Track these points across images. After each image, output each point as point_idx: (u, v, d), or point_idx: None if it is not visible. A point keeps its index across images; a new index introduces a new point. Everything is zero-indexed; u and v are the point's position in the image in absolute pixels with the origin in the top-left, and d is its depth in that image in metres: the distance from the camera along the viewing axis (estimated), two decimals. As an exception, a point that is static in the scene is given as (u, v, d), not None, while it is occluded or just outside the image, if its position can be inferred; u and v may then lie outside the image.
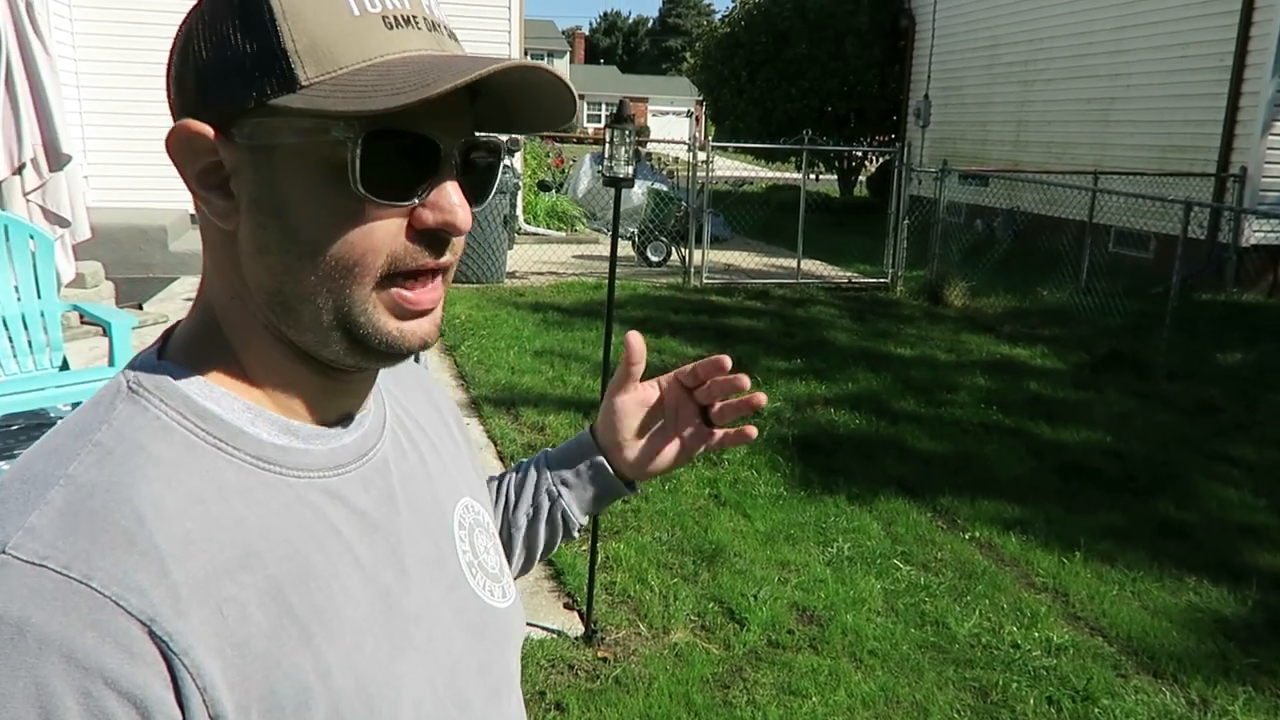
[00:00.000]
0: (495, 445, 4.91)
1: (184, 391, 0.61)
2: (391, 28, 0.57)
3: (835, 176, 21.89)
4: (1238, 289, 10.36)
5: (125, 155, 8.90)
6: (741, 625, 3.33)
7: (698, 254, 9.95)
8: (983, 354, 7.51)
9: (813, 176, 15.50)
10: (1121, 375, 6.88)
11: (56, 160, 5.34)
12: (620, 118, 3.15)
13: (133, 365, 0.63)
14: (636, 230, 11.09)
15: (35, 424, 4.00)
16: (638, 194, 11.30)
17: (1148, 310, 8.16)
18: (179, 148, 0.60)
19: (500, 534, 0.95)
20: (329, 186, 0.57)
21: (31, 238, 4.27)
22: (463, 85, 0.53)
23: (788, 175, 23.28)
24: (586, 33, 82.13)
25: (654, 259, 10.96)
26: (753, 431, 0.98)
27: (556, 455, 1.01)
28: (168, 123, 0.61)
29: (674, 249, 10.93)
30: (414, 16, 0.59)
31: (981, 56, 15.75)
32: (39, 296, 4.23)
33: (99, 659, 0.49)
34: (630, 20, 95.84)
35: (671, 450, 0.98)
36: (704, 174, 10.06)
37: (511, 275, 9.78)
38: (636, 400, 0.97)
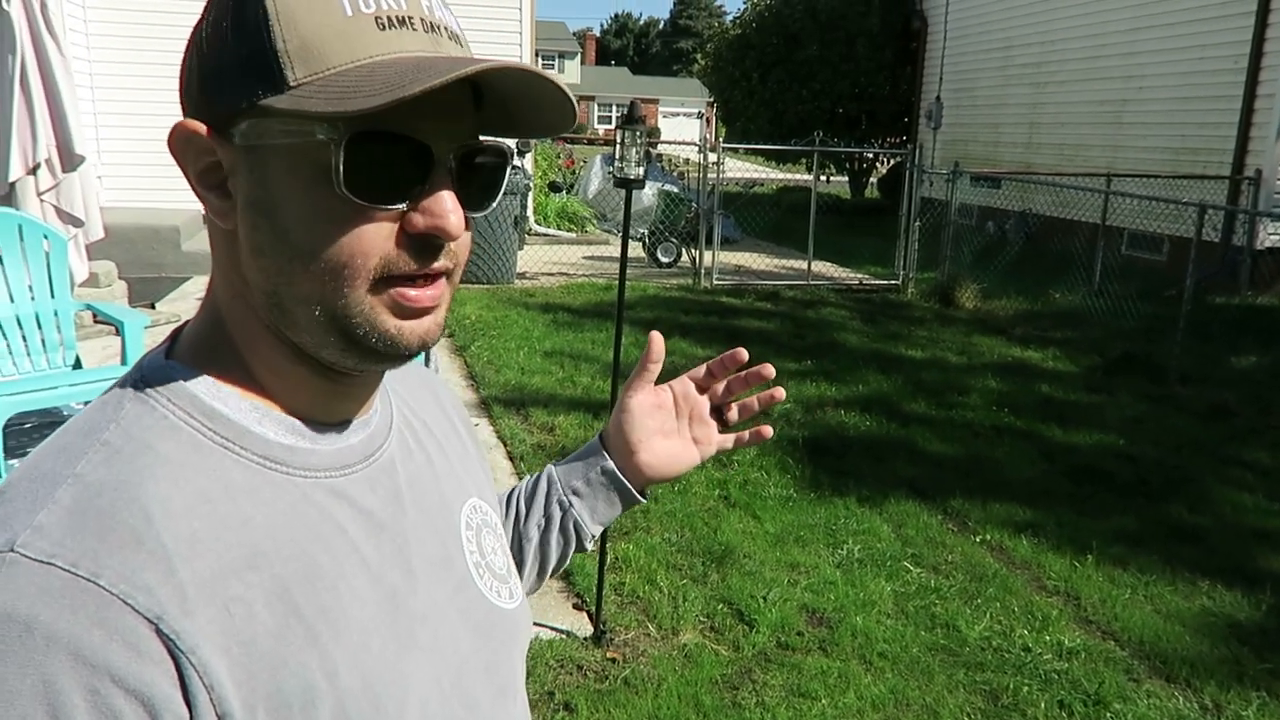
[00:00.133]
0: (505, 445, 4.91)
1: (191, 391, 0.61)
2: (384, 28, 0.57)
3: (846, 178, 21.86)
4: (1252, 292, 10.29)
5: (138, 156, 8.94)
6: (751, 627, 3.32)
7: (708, 255, 9.94)
8: (994, 356, 7.49)
9: (824, 178, 15.48)
10: (1134, 378, 6.85)
11: (70, 160, 5.37)
12: (631, 119, 3.15)
13: (141, 365, 0.63)
14: (647, 231, 11.09)
15: (48, 422, 4.02)
16: (648, 195, 11.31)
17: (1161, 313, 8.11)
18: (179, 147, 0.60)
19: (511, 547, 0.94)
20: (317, 188, 0.57)
21: (45, 237, 4.29)
22: (437, 86, 0.52)
23: (798, 177, 23.28)
24: (597, 34, 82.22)
25: (664, 260, 10.96)
26: (769, 431, 0.98)
27: (566, 465, 1.00)
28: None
29: (684, 250, 10.93)
30: (410, 17, 0.58)
31: (994, 58, 15.70)
32: (52, 295, 4.26)
33: (106, 657, 0.49)
34: (641, 22, 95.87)
35: (685, 452, 0.97)
36: (714, 175, 10.05)
37: (522, 276, 9.79)
38: (650, 403, 0.96)
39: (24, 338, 4.16)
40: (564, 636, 3.19)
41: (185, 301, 7.33)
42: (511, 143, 0.67)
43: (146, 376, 0.62)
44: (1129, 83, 12.71)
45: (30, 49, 5.16)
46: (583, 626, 3.26)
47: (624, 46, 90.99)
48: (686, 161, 17.78)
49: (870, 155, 19.93)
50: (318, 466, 0.63)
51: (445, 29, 0.60)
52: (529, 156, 11.79)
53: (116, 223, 7.10)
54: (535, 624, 3.19)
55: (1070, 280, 9.49)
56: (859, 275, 10.95)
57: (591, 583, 3.35)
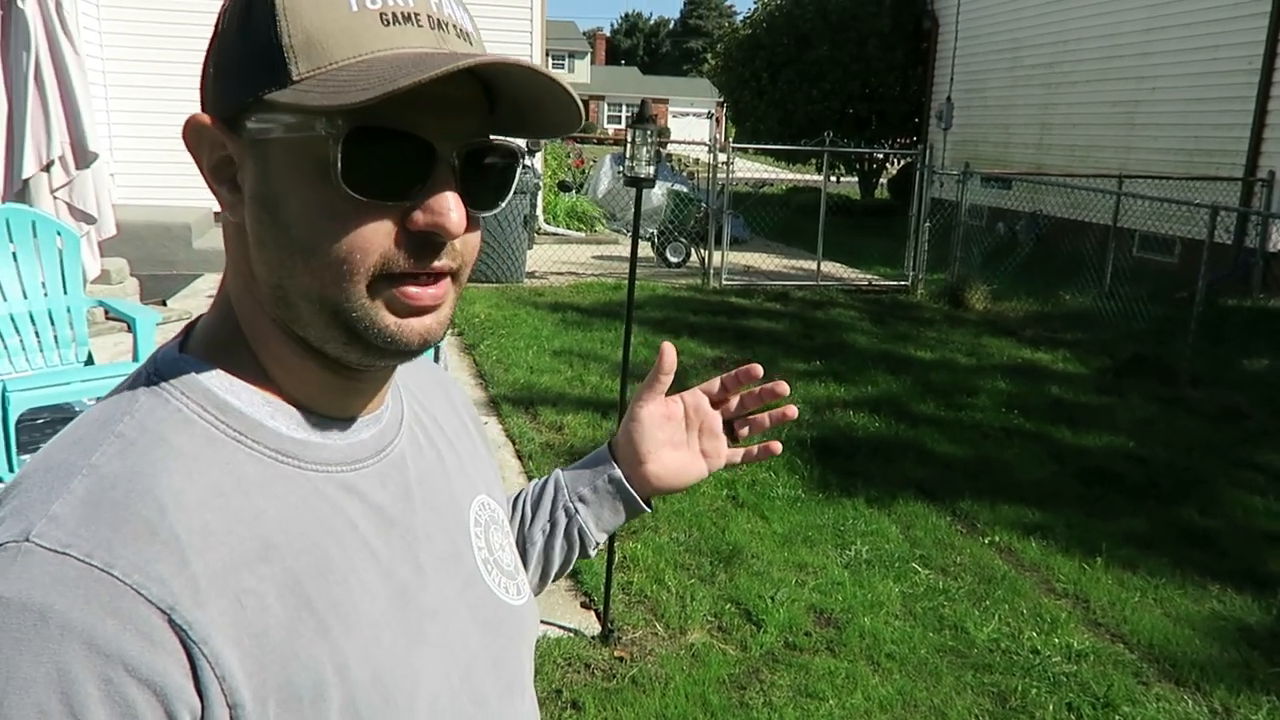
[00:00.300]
0: (513, 444, 4.92)
1: (205, 384, 0.61)
2: (388, 24, 0.57)
3: (856, 179, 21.83)
4: (1264, 294, 10.23)
5: (150, 154, 8.99)
6: (758, 627, 3.32)
7: (717, 255, 9.94)
8: (1004, 358, 7.46)
9: (833, 179, 15.46)
10: (1145, 380, 6.82)
11: (83, 158, 5.41)
12: (642, 118, 3.15)
13: (155, 358, 0.64)
14: (656, 231, 11.09)
15: (60, 418, 4.04)
16: (658, 195, 11.30)
17: (1172, 315, 8.07)
18: (192, 140, 0.61)
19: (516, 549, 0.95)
20: (317, 183, 0.57)
21: (58, 234, 4.32)
22: (427, 80, 0.52)
23: (808, 177, 23.23)
24: (608, 34, 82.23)
25: (673, 260, 10.96)
26: (777, 447, 0.98)
27: (573, 471, 1.00)
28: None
29: (693, 250, 10.93)
30: (416, 14, 0.58)
31: (1005, 59, 15.65)
32: (65, 292, 4.28)
33: (120, 646, 0.50)
34: (651, 21, 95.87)
35: (694, 465, 0.98)
36: (724, 175, 10.05)
37: (531, 275, 9.80)
38: (661, 414, 0.96)
39: (37, 334, 4.18)
40: (572, 635, 3.20)
41: (196, 299, 7.37)
42: (521, 142, 0.67)
43: (161, 370, 0.62)
44: (1141, 83, 12.66)
45: (45, 47, 5.19)
46: (590, 625, 3.26)
47: (634, 46, 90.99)
48: (696, 161, 17.77)
49: (880, 156, 19.90)
50: (329, 461, 0.64)
51: (454, 26, 0.60)
52: (539, 156, 11.80)
53: (128, 220, 7.14)
54: (544, 622, 3.21)
55: (1081, 282, 9.45)
56: (868, 276, 10.92)
57: (599, 581, 3.35)
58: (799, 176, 24.15)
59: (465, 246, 0.62)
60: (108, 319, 6.05)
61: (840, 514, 4.31)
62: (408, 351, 0.62)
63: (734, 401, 0.99)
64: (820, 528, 4.16)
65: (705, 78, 27.99)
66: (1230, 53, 11.23)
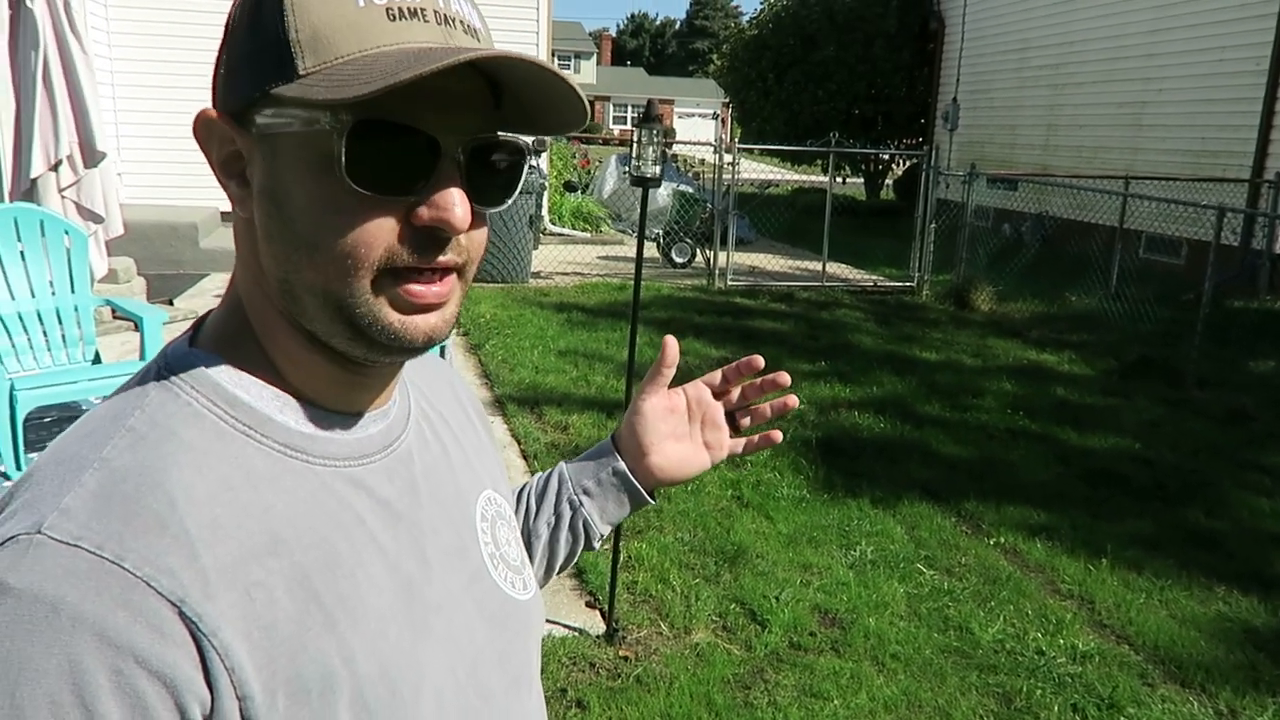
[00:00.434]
0: (519, 444, 4.92)
1: (214, 379, 0.62)
2: (394, 19, 0.57)
3: (862, 180, 21.80)
4: (1271, 296, 10.20)
5: (158, 153, 9.02)
6: (763, 627, 3.32)
7: (722, 256, 9.93)
8: (1009, 359, 7.45)
9: (839, 179, 15.44)
10: (1151, 382, 6.80)
11: (91, 157, 5.43)
12: (648, 118, 3.16)
13: (165, 353, 0.64)
14: (661, 232, 11.10)
15: (68, 417, 4.06)
16: (663, 195, 11.31)
17: (1178, 317, 8.06)
18: (202, 134, 0.62)
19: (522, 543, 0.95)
20: (322, 177, 0.57)
21: (66, 233, 4.33)
22: (428, 74, 0.52)
23: (814, 178, 23.23)
24: (613, 34, 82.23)
25: (679, 260, 10.96)
26: (778, 435, 0.99)
27: (577, 464, 1.00)
28: None
29: (699, 250, 10.93)
30: (422, 9, 0.58)
31: (1012, 60, 15.62)
32: (73, 291, 4.30)
33: (130, 638, 0.50)
34: (657, 22, 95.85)
35: (696, 456, 0.98)
36: (729, 176, 10.04)
37: (536, 275, 9.81)
38: (664, 406, 0.97)
39: (44, 332, 4.20)
40: (577, 634, 3.20)
41: (203, 298, 7.38)
42: (528, 140, 0.67)
43: (171, 364, 0.63)
44: (1148, 85, 12.63)
45: (53, 46, 5.21)
46: (595, 624, 3.27)
47: (640, 47, 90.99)
48: (702, 162, 17.77)
49: (886, 157, 19.87)
50: (337, 456, 0.64)
51: (461, 21, 0.60)
52: (544, 156, 11.81)
53: (136, 219, 7.17)
54: (549, 621, 3.22)
55: (1087, 283, 9.43)
56: (874, 277, 10.91)
57: (604, 581, 3.35)
58: (804, 177, 24.13)
59: (471, 242, 0.62)
60: (115, 318, 6.08)
61: (845, 514, 4.31)
62: (412, 349, 0.62)
63: (735, 393, 0.99)
64: (825, 528, 4.16)
65: (711, 78, 28.00)
66: (1237, 54, 11.20)
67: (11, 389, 3.62)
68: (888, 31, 18.51)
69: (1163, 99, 12.41)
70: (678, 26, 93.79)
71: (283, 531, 0.59)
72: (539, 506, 0.99)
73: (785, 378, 0.96)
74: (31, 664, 0.49)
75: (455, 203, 0.58)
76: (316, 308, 0.60)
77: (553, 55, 12.69)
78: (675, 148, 21.17)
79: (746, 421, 1.00)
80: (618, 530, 3.31)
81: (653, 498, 0.99)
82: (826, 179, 11.25)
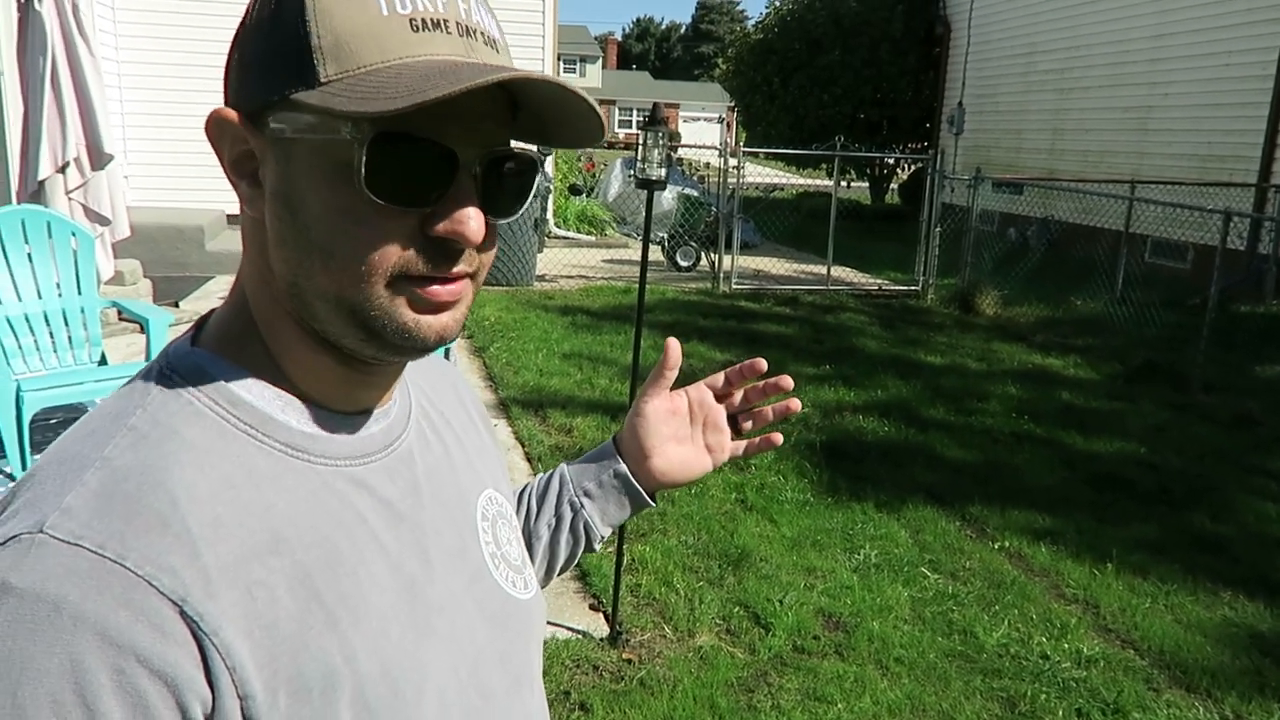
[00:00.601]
0: (523, 446, 4.93)
1: (216, 378, 0.62)
2: (418, 30, 0.57)
3: (867, 184, 21.79)
4: (1277, 301, 10.18)
5: (164, 156, 9.05)
6: (767, 630, 3.31)
7: (727, 259, 9.93)
8: (1014, 363, 7.44)
9: (844, 183, 15.44)
10: (1157, 387, 6.79)
11: (98, 160, 5.45)
12: (653, 120, 3.16)
13: (167, 352, 0.64)
14: (666, 235, 11.10)
15: (74, 418, 4.06)
16: (668, 199, 11.31)
17: (1184, 321, 8.04)
18: (214, 133, 0.61)
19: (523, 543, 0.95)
20: (339, 186, 0.57)
21: (73, 235, 4.35)
22: (457, 93, 0.53)
23: (819, 182, 23.21)
24: (619, 38, 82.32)
25: (683, 264, 10.96)
26: (779, 438, 0.98)
27: (578, 466, 1.00)
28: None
29: (703, 254, 10.93)
30: (445, 20, 0.58)
31: (1017, 64, 15.61)
32: (79, 293, 4.31)
33: (132, 637, 0.50)
34: (663, 26, 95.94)
35: (698, 459, 0.98)
36: (734, 180, 10.05)
37: (541, 278, 9.82)
38: (666, 409, 0.97)
39: (51, 334, 4.21)
40: (580, 637, 3.20)
41: (209, 300, 7.40)
42: (539, 152, 0.67)
43: (173, 363, 0.63)
44: (1154, 89, 12.61)
45: (61, 49, 5.23)
46: (599, 627, 3.27)
47: (645, 51, 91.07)
48: (707, 166, 17.78)
49: (891, 161, 19.87)
50: (338, 455, 0.64)
51: (482, 33, 0.60)
52: (550, 159, 11.82)
53: (142, 222, 7.18)
54: (553, 624, 3.21)
55: (1092, 287, 9.42)
56: (879, 281, 10.90)
57: (608, 584, 3.35)
58: (810, 181, 24.12)
59: (482, 250, 0.62)
60: (121, 320, 6.09)
61: (849, 518, 4.31)
62: (424, 348, 0.62)
63: (738, 395, 0.99)
64: (829, 532, 4.16)
65: (716, 82, 28.03)
66: (1243, 58, 11.18)
67: (18, 390, 3.63)
68: (893, 36, 18.51)
69: (1168, 103, 12.39)
70: (683, 31, 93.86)
71: (284, 530, 0.59)
72: (540, 508, 0.99)
73: (788, 381, 0.96)
74: (33, 663, 0.49)
75: (471, 216, 0.59)
76: (328, 311, 0.60)
77: (558, 59, 12.72)
78: (680, 151, 21.18)
79: (749, 425, 1.00)
80: (621, 533, 3.31)
81: (654, 500, 0.99)
82: (831, 183, 11.24)
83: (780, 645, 3.23)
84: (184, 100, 8.59)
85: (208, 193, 8.29)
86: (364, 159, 0.56)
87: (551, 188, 11.91)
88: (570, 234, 12.98)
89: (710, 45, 74.77)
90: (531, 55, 10.55)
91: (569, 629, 3.24)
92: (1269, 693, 3.14)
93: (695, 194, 11.70)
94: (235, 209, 0.64)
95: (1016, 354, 7.75)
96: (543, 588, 0.93)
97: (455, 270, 0.60)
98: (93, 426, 0.59)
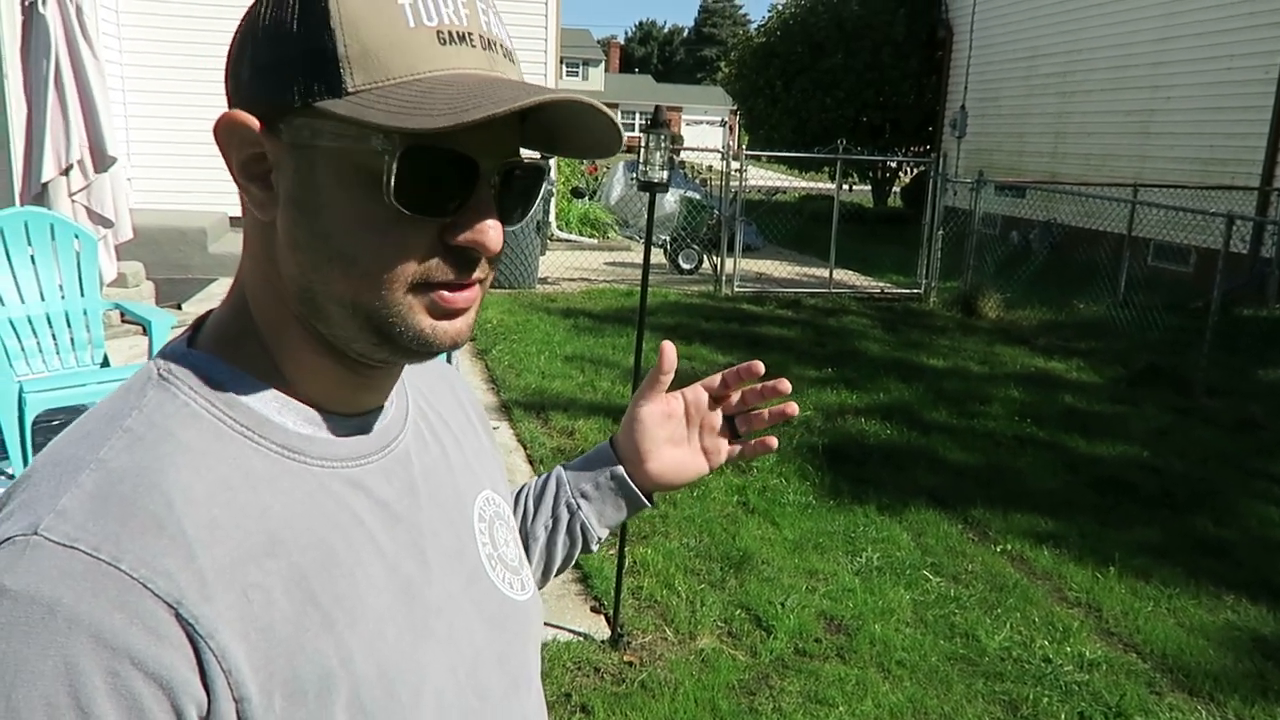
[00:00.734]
0: (525, 449, 4.93)
1: (213, 379, 0.62)
2: (445, 43, 0.57)
3: (869, 187, 21.79)
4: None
5: (167, 159, 9.06)
6: (768, 633, 3.31)
7: (729, 262, 9.93)
8: (1017, 366, 7.43)
9: (847, 186, 15.43)
10: (1159, 390, 6.78)
11: (102, 162, 5.45)
12: (655, 123, 3.16)
13: (163, 353, 0.64)
14: (669, 238, 11.10)
15: (75, 419, 4.07)
16: (670, 202, 11.31)
17: (1187, 325, 8.03)
18: (225, 135, 0.60)
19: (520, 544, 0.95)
20: (363, 194, 0.57)
21: (76, 237, 4.36)
22: (501, 115, 0.53)
23: (821, 185, 23.22)
24: (622, 42, 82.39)
25: (686, 267, 10.96)
26: (774, 442, 0.98)
27: (576, 467, 1.00)
28: (209, 129, 0.62)
29: (706, 257, 10.92)
30: (469, 34, 0.58)
31: (1020, 67, 15.61)
32: (82, 294, 4.32)
33: (127, 640, 0.50)
34: (665, 30, 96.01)
35: (694, 462, 0.98)
36: (737, 183, 10.05)
37: (544, 281, 9.82)
38: (661, 412, 0.96)
39: (54, 336, 4.22)
40: (581, 639, 3.20)
41: (211, 302, 7.37)
42: (546, 161, 0.68)
43: (169, 364, 0.62)
44: (1156, 92, 12.60)
45: (65, 52, 5.25)
46: (600, 629, 3.26)
47: (648, 54, 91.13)
48: (709, 169, 17.79)
49: (894, 164, 19.86)
50: (334, 457, 0.64)
51: (500, 46, 0.61)
52: (552, 162, 11.83)
53: (145, 224, 7.19)
54: (554, 626, 3.21)
55: (1095, 291, 9.41)
56: (881, 284, 10.90)
57: (610, 586, 3.35)
58: (812, 184, 24.11)
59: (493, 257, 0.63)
60: (124, 322, 6.10)
61: (851, 521, 4.30)
62: (437, 352, 0.63)
63: (735, 397, 0.99)
64: (831, 534, 4.15)
65: (719, 86, 28.04)
66: (1246, 62, 11.17)
67: (20, 392, 3.64)
68: (896, 39, 18.52)
69: (1171, 107, 12.39)
70: (686, 34, 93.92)
71: (280, 532, 0.58)
72: (536, 509, 0.99)
73: (786, 384, 0.95)
74: (27, 665, 0.49)
75: (491, 227, 0.60)
76: (343, 316, 0.60)
77: (561, 62, 12.73)
78: (683, 154, 21.19)
79: (745, 428, 0.99)
80: (623, 535, 3.31)
81: (651, 501, 0.99)
82: (834, 186, 11.23)
83: (782, 648, 3.22)
84: (187, 103, 8.61)
85: (210, 195, 8.30)
86: (394, 170, 0.56)
87: (554, 191, 11.91)
88: (573, 237, 12.99)
89: (713, 49, 74.84)
90: (534, 59, 10.56)
91: (570, 631, 3.24)
92: (1272, 696, 3.13)
93: (698, 197, 11.70)
94: (238, 211, 0.64)
95: (1019, 357, 7.74)
96: (540, 589, 0.93)
97: (473, 276, 0.61)
98: (88, 428, 0.59)
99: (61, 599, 0.50)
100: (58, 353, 4.22)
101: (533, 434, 5.10)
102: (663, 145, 3.14)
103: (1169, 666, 3.28)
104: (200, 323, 0.67)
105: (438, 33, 0.57)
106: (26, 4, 5.20)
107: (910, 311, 9.62)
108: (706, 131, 53.70)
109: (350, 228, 0.58)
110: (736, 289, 9.87)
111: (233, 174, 0.62)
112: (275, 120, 0.59)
